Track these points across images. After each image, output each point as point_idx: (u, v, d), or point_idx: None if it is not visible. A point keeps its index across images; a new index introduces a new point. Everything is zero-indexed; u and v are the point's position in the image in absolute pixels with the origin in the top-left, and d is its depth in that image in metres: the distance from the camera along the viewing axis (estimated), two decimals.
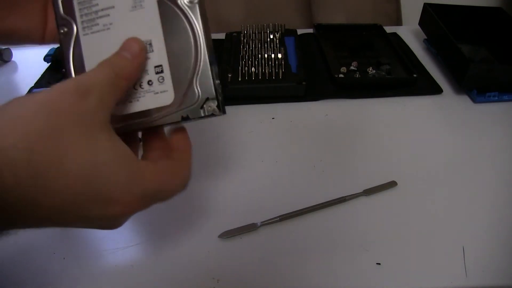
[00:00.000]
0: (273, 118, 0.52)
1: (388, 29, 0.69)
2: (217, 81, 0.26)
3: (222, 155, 0.46)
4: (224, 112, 0.26)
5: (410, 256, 0.35)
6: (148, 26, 0.26)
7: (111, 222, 0.25)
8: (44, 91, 0.22)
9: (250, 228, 0.37)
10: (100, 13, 0.26)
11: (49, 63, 0.62)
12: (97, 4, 0.26)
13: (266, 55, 0.57)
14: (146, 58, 0.26)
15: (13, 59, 0.67)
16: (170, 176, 0.26)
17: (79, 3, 0.27)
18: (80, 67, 0.27)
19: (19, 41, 0.31)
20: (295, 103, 0.54)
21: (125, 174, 0.23)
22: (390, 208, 0.39)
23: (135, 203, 0.24)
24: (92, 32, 0.27)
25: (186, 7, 0.26)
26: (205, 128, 0.50)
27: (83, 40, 0.27)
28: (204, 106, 0.26)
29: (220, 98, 0.26)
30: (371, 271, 0.34)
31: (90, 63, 0.27)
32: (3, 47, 0.66)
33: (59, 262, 0.35)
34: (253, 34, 0.63)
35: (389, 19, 0.84)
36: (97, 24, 0.27)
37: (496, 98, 0.53)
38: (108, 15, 0.26)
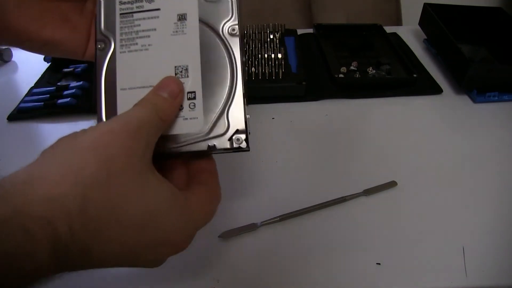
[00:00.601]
0: (273, 118, 0.52)
1: (388, 29, 0.69)
2: (248, 116, 0.26)
3: (222, 155, 0.46)
4: (249, 148, 0.26)
5: (410, 256, 0.35)
6: (187, 52, 0.26)
7: (162, 260, 0.25)
8: (90, 132, 0.22)
9: (250, 228, 0.37)
10: (141, 34, 0.26)
11: (49, 63, 0.62)
12: (139, 25, 0.27)
13: (266, 55, 0.57)
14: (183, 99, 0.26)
15: (13, 59, 0.67)
16: (210, 203, 0.26)
17: (121, 21, 0.27)
18: (111, 84, 0.26)
19: (62, 53, 0.30)
20: (295, 103, 0.54)
21: (178, 216, 0.23)
22: (390, 208, 0.39)
23: (188, 240, 0.25)
24: (130, 51, 0.26)
25: (227, 38, 0.26)
26: None
27: (119, 57, 0.27)
28: (233, 138, 0.26)
29: (248, 133, 0.26)
30: (371, 271, 0.34)
31: (122, 81, 0.26)
32: (3, 47, 0.66)
33: None
34: (253, 34, 0.63)
35: (389, 19, 0.84)
36: (136, 44, 0.26)
37: (496, 98, 0.53)
38: (149, 36, 0.26)
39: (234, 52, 0.26)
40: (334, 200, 0.39)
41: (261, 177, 0.43)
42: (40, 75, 0.61)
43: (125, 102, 0.26)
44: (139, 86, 0.26)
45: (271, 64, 0.56)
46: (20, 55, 0.68)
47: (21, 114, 0.53)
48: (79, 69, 0.60)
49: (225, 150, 0.26)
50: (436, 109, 0.54)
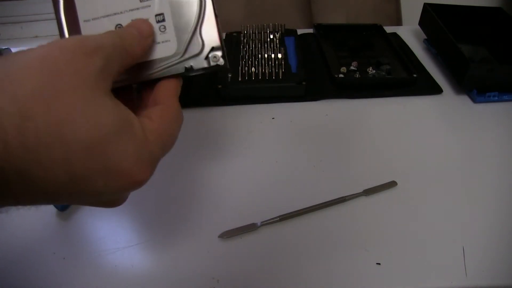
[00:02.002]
0: (273, 118, 0.52)
1: (388, 29, 0.69)
2: (220, 29, 0.26)
3: (222, 155, 0.46)
4: (228, 66, 0.26)
5: (410, 256, 0.35)
6: None
7: (117, 196, 0.23)
8: (43, 47, 0.20)
9: (250, 228, 0.37)
10: None
11: None
12: None
13: (266, 55, 0.57)
14: (153, 41, 0.25)
15: None
16: (168, 126, 0.24)
17: None
18: (73, 18, 0.26)
19: None
20: (295, 103, 0.54)
21: (130, 142, 0.21)
22: (390, 208, 0.39)
23: (146, 170, 0.22)
24: None
25: None
26: (205, 128, 0.50)
27: None
28: (209, 56, 0.25)
29: (225, 49, 0.25)
30: (371, 271, 0.34)
31: (83, 12, 0.26)
32: (3, 47, 0.66)
33: (59, 262, 0.35)
34: (253, 34, 0.63)
35: (389, 19, 0.84)
36: None
37: (496, 98, 0.53)
38: None
39: None
40: (334, 200, 0.39)
41: (261, 177, 0.43)
42: None
43: (90, 33, 0.25)
44: (103, 15, 0.25)
45: (271, 64, 0.56)
46: None
47: None
48: None
49: (203, 69, 0.25)
50: (436, 109, 0.54)
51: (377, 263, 0.34)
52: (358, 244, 0.36)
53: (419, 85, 0.56)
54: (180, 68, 0.25)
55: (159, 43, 0.25)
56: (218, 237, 0.36)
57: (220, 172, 0.44)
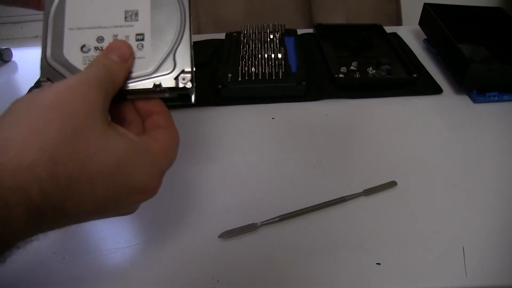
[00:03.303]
0: (273, 118, 0.52)
1: (388, 29, 0.69)
2: (193, 58, 0.27)
3: (222, 155, 0.46)
4: (193, 94, 0.27)
5: (410, 256, 0.35)
6: None
7: (133, 208, 0.26)
8: (48, 90, 0.22)
9: (250, 228, 0.37)
10: None
11: None
12: None
13: (266, 55, 0.57)
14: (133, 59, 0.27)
15: (13, 59, 0.67)
16: (169, 142, 0.26)
17: None
18: (59, 24, 0.27)
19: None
20: (295, 103, 0.54)
21: (143, 162, 0.24)
22: (390, 208, 0.39)
23: (157, 183, 0.25)
24: None
25: None
26: (205, 127, 0.50)
27: (69, 0, 0.27)
28: (179, 77, 0.27)
29: (194, 76, 0.27)
30: (371, 271, 0.34)
31: (70, 21, 0.27)
32: (3, 47, 0.66)
33: (59, 262, 0.35)
34: (253, 34, 0.63)
35: (389, 19, 0.84)
36: None
37: (496, 98, 0.53)
38: None
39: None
40: (334, 200, 0.39)
41: (261, 177, 0.43)
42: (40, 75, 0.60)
43: (72, 41, 0.27)
44: (88, 27, 0.27)
45: (271, 64, 0.56)
46: (20, 55, 0.68)
47: None
48: None
49: (170, 90, 0.27)
50: (436, 109, 0.54)
51: (377, 263, 0.34)
52: (358, 244, 0.36)
53: (419, 85, 0.56)
54: (149, 84, 0.26)
55: (134, 58, 0.27)
56: (218, 237, 0.36)
57: (220, 172, 0.44)
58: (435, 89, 0.56)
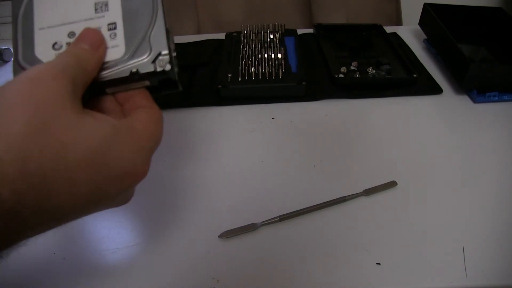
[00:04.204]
0: (273, 118, 0.52)
1: (388, 29, 0.69)
2: (173, 44, 0.26)
3: (222, 155, 0.46)
4: (176, 75, 0.26)
5: (410, 256, 0.35)
6: None
7: (127, 194, 0.25)
8: (11, 83, 0.20)
9: (250, 228, 0.37)
10: None
11: None
12: None
13: (266, 55, 0.57)
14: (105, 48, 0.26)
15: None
16: (154, 122, 0.25)
17: None
18: (28, 26, 0.26)
19: None
20: (295, 103, 0.54)
21: (126, 145, 0.22)
22: (390, 208, 0.39)
23: (144, 166, 0.24)
24: None
25: None
26: (205, 127, 0.50)
27: (36, 1, 0.27)
28: (156, 61, 0.26)
29: (173, 55, 0.26)
30: (371, 271, 0.34)
31: (39, 21, 0.26)
32: (3, 47, 0.66)
33: (59, 262, 0.35)
34: (253, 34, 0.63)
35: (389, 19, 0.84)
36: None
37: (496, 98, 0.53)
38: None
39: None
40: (334, 200, 0.39)
41: (261, 177, 0.43)
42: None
43: (43, 41, 0.26)
44: (58, 24, 0.26)
45: (271, 64, 0.56)
46: None
47: None
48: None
49: (149, 74, 0.26)
50: (436, 109, 0.54)
51: (377, 263, 0.34)
52: (358, 244, 0.36)
53: (419, 85, 0.56)
54: (125, 72, 0.25)
55: (108, 48, 0.26)
56: (218, 237, 0.36)
57: (220, 172, 0.44)
58: (435, 89, 0.56)
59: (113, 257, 0.35)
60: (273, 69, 0.55)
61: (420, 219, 0.38)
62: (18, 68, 0.26)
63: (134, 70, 0.25)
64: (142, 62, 0.26)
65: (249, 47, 0.60)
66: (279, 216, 0.37)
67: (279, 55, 0.57)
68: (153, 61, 0.25)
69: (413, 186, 0.41)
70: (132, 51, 0.26)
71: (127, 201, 0.25)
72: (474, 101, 0.54)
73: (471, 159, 0.45)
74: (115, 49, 0.26)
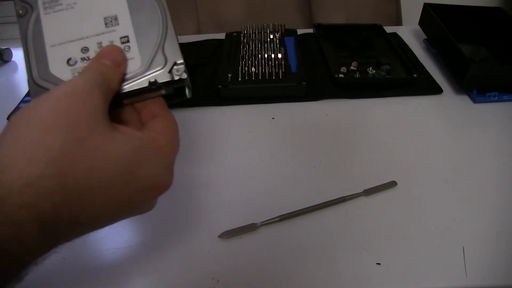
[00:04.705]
0: (273, 118, 0.52)
1: (388, 29, 0.69)
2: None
3: (222, 155, 0.46)
4: (189, 83, 0.27)
5: (410, 256, 0.35)
6: (113, 2, 0.27)
7: (152, 203, 0.26)
8: (45, 100, 0.21)
9: (250, 228, 0.37)
10: None
11: None
12: None
13: (266, 55, 0.57)
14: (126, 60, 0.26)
15: (13, 59, 0.67)
16: (172, 131, 0.26)
17: None
18: (39, 45, 0.27)
19: None
20: (295, 103, 0.54)
21: (151, 157, 0.23)
22: (390, 208, 0.39)
23: (169, 178, 0.25)
24: (55, 12, 0.27)
25: None
26: (205, 127, 0.50)
27: (44, 18, 0.27)
28: (173, 70, 0.26)
29: (186, 68, 0.27)
30: (371, 271, 0.34)
31: (50, 38, 0.27)
32: (3, 47, 0.66)
33: (59, 262, 0.35)
34: (253, 34, 0.63)
35: (389, 19, 0.84)
36: (61, 4, 0.27)
37: (496, 98, 0.53)
38: None
39: None
40: (334, 200, 0.39)
41: (261, 177, 0.43)
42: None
43: (57, 57, 0.26)
44: (69, 40, 0.26)
45: (271, 64, 0.56)
46: (20, 55, 0.68)
47: None
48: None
49: (167, 84, 0.26)
50: (436, 109, 0.54)
51: (377, 263, 0.34)
52: (358, 244, 0.36)
53: (419, 85, 0.56)
54: (144, 83, 0.26)
55: (127, 61, 0.27)
56: (218, 237, 0.36)
57: (220, 172, 0.44)
58: (435, 89, 0.56)
59: (113, 257, 0.35)
60: (273, 69, 0.55)
61: (420, 219, 0.38)
62: (35, 86, 0.26)
63: (152, 80, 0.26)
64: (159, 72, 0.26)
65: (249, 47, 0.60)
66: (279, 216, 0.37)
67: (279, 55, 0.57)
68: (170, 71, 0.26)
69: (413, 186, 0.41)
70: (148, 62, 0.26)
71: (151, 208, 0.26)
72: (474, 101, 0.54)
73: (471, 159, 0.45)
74: (131, 62, 0.26)
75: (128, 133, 0.23)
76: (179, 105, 0.55)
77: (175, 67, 0.27)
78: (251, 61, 0.56)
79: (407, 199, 0.40)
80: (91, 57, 0.26)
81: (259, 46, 0.60)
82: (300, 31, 0.68)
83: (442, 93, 0.56)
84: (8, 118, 0.52)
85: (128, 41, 0.27)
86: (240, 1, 0.80)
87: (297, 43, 0.63)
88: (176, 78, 0.26)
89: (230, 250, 0.35)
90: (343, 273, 0.34)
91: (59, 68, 0.26)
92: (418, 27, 0.68)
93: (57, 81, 0.26)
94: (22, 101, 0.55)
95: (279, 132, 0.49)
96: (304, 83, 0.54)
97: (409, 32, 0.71)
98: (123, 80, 0.26)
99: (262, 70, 0.55)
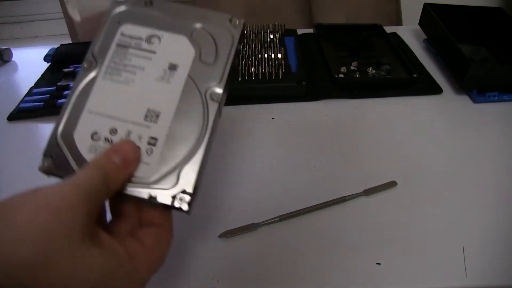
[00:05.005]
0: (273, 118, 0.52)
1: (388, 29, 0.69)
2: (201, 180, 0.26)
3: (222, 155, 0.46)
4: (189, 212, 0.25)
5: (410, 256, 0.35)
6: (164, 100, 0.26)
7: None
8: (22, 208, 0.20)
9: (250, 228, 0.37)
10: (128, 68, 0.26)
11: (49, 63, 0.63)
12: (130, 60, 0.27)
13: (266, 55, 0.57)
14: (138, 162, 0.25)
15: (13, 59, 0.67)
16: (157, 251, 0.25)
17: (115, 51, 0.27)
18: (81, 103, 0.26)
19: None
20: (295, 103, 0.54)
21: (126, 278, 0.22)
22: (390, 208, 0.39)
23: None
24: (112, 80, 0.26)
25: (208, 101, 0.26)
26: None
27: (99, 81, 0.26)
28: (177, 196, 0.25)
29: (194, 197, 0.25)
30: (371, 271, 0.34)
31: (92, 103, 0.26)
32: (3, 47, 0.66)
33: None
34: (253, 34, 0.63)
35: (389, 19, 0.84)
36: (120, 76, 0.26)
37: (496, 98, 0.53)
38: (135, 73, 0.26)
39: (209, 117, 0.26)
40: (334, 200, 0.39)
41: (261, 177, 0.43)
42: (40, 75, 0.61)
43: (86, 126, 0.26)
44: (106, 115, 0.26)
45: (271, 64, 0.56)
46: (20, 55, 0.68)
47: (21, 114, 0.53)
48: (79, 69, 0.60)
49: (165, 205, 0.25)
50: (436, 109, 0.54)
51: (377, 263, 0.34)
52: (358, 244, 0.36)
53: (419, 85, 0.56)
54: (144, 193, 0.25)
55: (140, 162, 0.25)
56: (218, 237, 0.36)
57: (220, 172, 0.44)
58: (435, 89, 0.56)
59: None
60: (273, 69, 0.55)
61: (420, 219, 0.38)
62: (53, 142, 0.25)
63: (153, 194, 0.25)
64: (164, 192, 0.25)
65: (249, 47, 0.60)
66: (279, 216, 0.37)
67: (279, 55, 0.57)
68: (174, 196, 0.25)
69: (413, 186, 0.41)
70: (160, 176, 0.25)
71: None
72: (474, 101, 0.54)
73: (471, 159, 0.45)
74: (145, 167, 0.25)
75: (107, 248, 0.22)
76: None
77: (181, 194, 0.25)
78: (251, 61, 0.56)
79: (407, 199, 0.40)
80: (114, 141, 0.25)
81: (259, 46, 0.60)
82: (300, 31, 0.68)
83: (442, 93, 0.56)
84: (8, 118, 0.52)
85: (154, 144, 0.25)
86: (240, 1, 0.80)
87: (297, 43, 0.63)
88: (177, 205, 0.25)
89: (230, 250, 0.35)
90: (343, 273, 0.34)
91: (82, 137, 0.25)
92: (418, 27, 0.68)
93: (73, 148, 0.25)
94: (22, 101, 0.55)
95: (279, 132, 0.49)
96: (304, 83, 0.54)
97: (409, 32, 0.71)
98: (130, 182, 0.25)
99: (262, 70, 0.55)
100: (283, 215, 0.38)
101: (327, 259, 0.35)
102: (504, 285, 0.33)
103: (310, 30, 0.71)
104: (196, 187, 0.25)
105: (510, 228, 0.37)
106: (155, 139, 0.25)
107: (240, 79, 0.54)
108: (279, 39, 0.62)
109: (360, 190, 0.40)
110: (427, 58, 0.64)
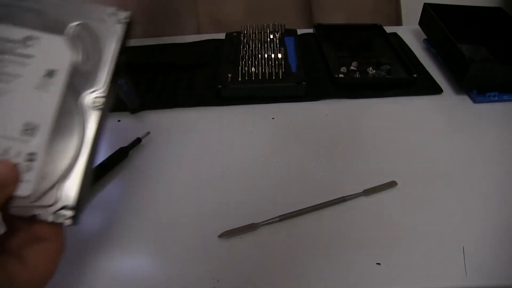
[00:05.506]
0: (273, 118, 0.52)
1: (388, 29, 0.69)
2: (86, 192, 0.24)
3: (222, 155, 0.46)
4: (76, 224, 0.24)
5: (410, 256, 0.35)
6: (42, 111, 0.24)
7: None
8: None
9: (250, 228, 0.37)
10: (2, 77, 0.24)
11: None
12: (6, 66, 0.24)
13: (266, 55, 0.57)
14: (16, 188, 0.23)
15: None
16: (49, 270, 0.24)
17: None
18: None
19: None
20: (295, 103, 0.54)
21: None
22: (390, 208, 0.39)
23: None
24: None
25: (86, 109, 0.25)
26: (205, 127, 0.50)
27: None
28: (58, 213, 0.23)
29: (78, 211, 0.24)
30: (371, 271, 0.34)
31: None
32: None
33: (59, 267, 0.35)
34: (253, 34, 0.63)
35: (389, 19, 0.84)
36: None
37: (496, 98, 0.53)
38: (10, 81, 0.24)
39: (88, 125, 0.24)
40: (334, 200, 0.39)
41: (261, 177, 0.43)
42: None
43: None
44: None
45: (271, 64, 0.56)
46: None
47: None
48: None
49: (49, 223, 0.24)
50: (436, 109, 0.54)
51: (377, 263, 0.34)
52: (358, 244, 0.36)
53: (419, 85, 0.56)
54: (28, 212, 0.23)
55: (19, 183, 0.24)
56: (218, 237, 0.36)
57: (220, 172, 0.44)
58: (435, 89, 0.56)
59: (113, 257, 0.35)
60: (273, 69, 0.55)
61: (420, 219, 0.38)
62: None
63: (37, 213, 0.23)
64: (45, 209, 0.23)
65: (249, 47, 0.60)
66: (279, 216, 0.37)
67: (279, 55, 0.57)
68: (55, 213, 0.23)
69: (413, 186, 0.41)
70: (41, 193, 0.23)
71: None
72: (474, 101, 0.54)
73: (471, 159, 0.45)
74: (26, 184, 0.23)
75: None
76: (179, 105, 0.55)
77: (62, 211, 0.23)
78: (251, 61, 0.56)
79: (407, 199, 0.40)
80: None
81: (259, 46, 0.60)
82: (300, 31, 0.68)
83: (442, 93, 0.56)
84: None
85: (33, 160, 0.23)
86: (240, 1, 0.80)
87: (297, 43, 0.63)
88: (58, 222, 0.23)
89: (230, 250, 0.35)
90: (343, 273, 0.34)
91: None
92: (418, 27, 0.68)
93: None
94: None
95: (279, 132, 0.49)
96: (304, 83, 0.54)
97: (409, 32, 0.71)
98: (12, 198, 0.23)
99: (262, 70, 0.55)
100: (283, 215, 0.38)
101: (327, 259, 0.35)
102: (504, 285, 0.33)
103: (310, 30, 0.71)
104: (80, 199, 0.24)
105: (510, 228, 0.37)
106: (35, 154, 0.24)
107: (240, 79, 0.54)
108: (279, 39, 0.62)
109: (360, 190, 0.40)
110: (427, 58, 0.64)
